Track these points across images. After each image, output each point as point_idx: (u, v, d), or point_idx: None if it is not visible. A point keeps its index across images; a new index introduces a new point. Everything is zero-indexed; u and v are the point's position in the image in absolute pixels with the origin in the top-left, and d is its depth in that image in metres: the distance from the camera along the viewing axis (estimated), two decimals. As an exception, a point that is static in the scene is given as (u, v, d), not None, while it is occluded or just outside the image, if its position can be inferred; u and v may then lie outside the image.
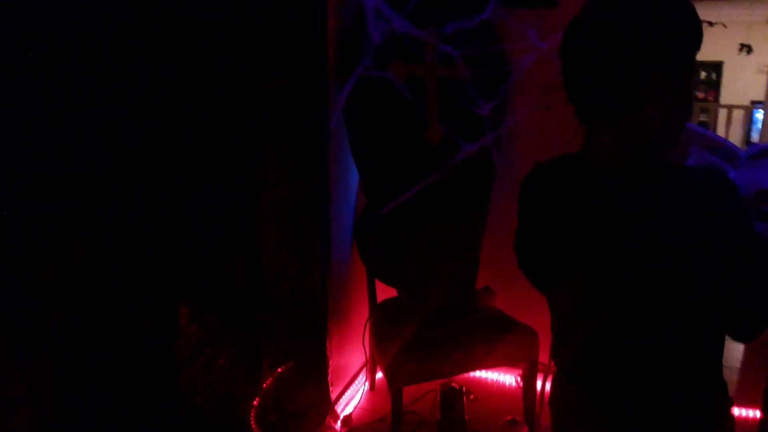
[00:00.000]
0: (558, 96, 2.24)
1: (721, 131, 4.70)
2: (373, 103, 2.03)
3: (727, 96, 5.52)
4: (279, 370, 2.09)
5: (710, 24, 4.33)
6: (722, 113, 4.79)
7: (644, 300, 0.95)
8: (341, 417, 2.30)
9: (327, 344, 2.13)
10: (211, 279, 1.85)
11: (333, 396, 2.34)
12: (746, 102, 5.12)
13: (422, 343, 2.02)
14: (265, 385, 2.07)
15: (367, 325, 2.33)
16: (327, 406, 2.19)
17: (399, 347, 1.99)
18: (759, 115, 4.84)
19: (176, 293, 1.77)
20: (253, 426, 2.06)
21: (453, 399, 2.19)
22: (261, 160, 1.87)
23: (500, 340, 2.07)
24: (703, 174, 0.93)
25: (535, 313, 2.36)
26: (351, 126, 2.06)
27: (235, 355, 1.97)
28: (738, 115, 4.90)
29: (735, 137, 4.98)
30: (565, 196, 1.02)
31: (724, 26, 4.84)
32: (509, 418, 2.19)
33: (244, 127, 1.82)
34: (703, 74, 5.97)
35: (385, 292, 2.37)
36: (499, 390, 2.53)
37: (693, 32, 0.90)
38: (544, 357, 2.34)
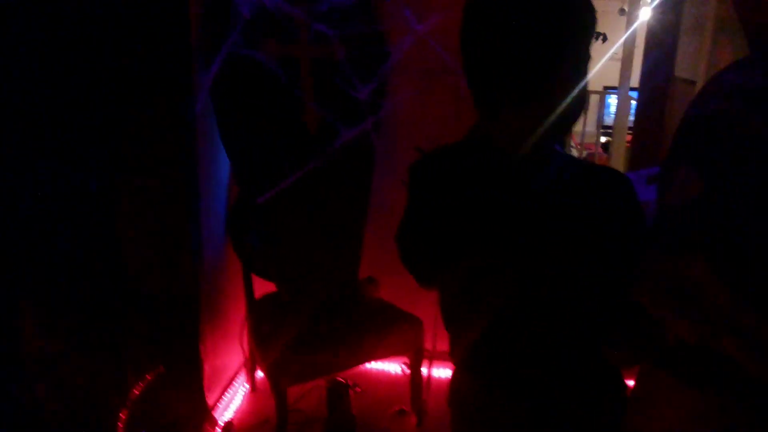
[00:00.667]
0: (437, 80, 2.22)
1: (579, 115, 5.03)
2: (242, 84, 1.87)
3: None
4: (147, 377, 1.89)
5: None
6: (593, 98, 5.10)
7: (540, 290, 0.91)
8: (221, 424, 2.14)
9: (200, 346, 1.96)
10: (62, 278, 1.62)
11: (210, 401, 2.17)
12: (600, 88, 5.48)
13: (306, 341, 1.91)
14: (132, 395, 1.87)
15: (246, 323, 2.18)
16: (203, 415, 2.02)
17: (282, 346, 1.87)
18: (612, 100, 5.23)
19: (18, 296, 1.53)
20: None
21: (339, 394, 2.11)
22: (117, 144, 1.66)
23: (386, 332, 2.01)
24: (605, 171, 0.94)
25: (417, 301, 2.35)
26: (219, 109, 1.88)
27: (94, 363, 1.75)
28: (593, 100, 5.23)
29: (590, 121, 5.30)
30: (468, 179, 0.96)
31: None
32: (397, 408, 2.15)
33: (96, 108, 1.60)
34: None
35: (263, 286, 2.23)
36: (385, 380, 2.49)
37: (594, 15, 0.87)
38: (428, 344, 2.33)
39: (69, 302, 1.65)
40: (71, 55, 1.49)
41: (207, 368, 2.06)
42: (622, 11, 5.59)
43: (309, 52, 1.94)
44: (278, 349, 1.90)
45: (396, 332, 2.02)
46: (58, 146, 1.52)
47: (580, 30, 0.85)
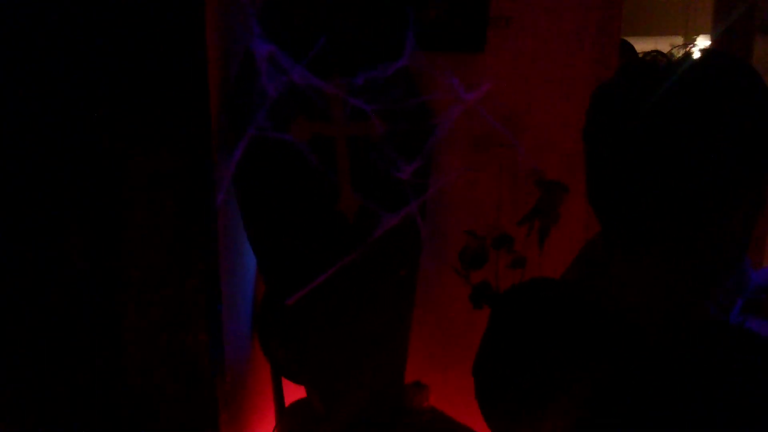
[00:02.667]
0: (488, 153, 1.97)
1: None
2: (270, 171, 1.64)
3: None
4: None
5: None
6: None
7: None
8: None
9: None
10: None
11: None
12: None
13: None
14: None
15: (275, 435, 1.90)
16: None
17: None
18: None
19: None
20: None
21: None
22: (126, 243, 1.45)
23: (438, 453, 1.71)
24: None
25: (476, 410, 2.05)
26: (243, 200, 1.65)
27: None
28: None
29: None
30: (563, 346, 0.69)
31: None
32: None
33: (105, 203, 1.39)
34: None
35: (296, 390, 1.96)
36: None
37: None
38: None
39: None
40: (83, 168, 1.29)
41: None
42: None
43: (345, 131, 1.71)
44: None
45: (451, 452, 1.72)
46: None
47: None
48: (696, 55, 0.60)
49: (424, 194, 1.80)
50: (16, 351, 1.33)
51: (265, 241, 1.68)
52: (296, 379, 1.92)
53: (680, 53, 0.62)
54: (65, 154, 1.32)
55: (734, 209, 0.58)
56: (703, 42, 4.37)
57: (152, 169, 1.47)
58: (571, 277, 0.80)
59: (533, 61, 1.91)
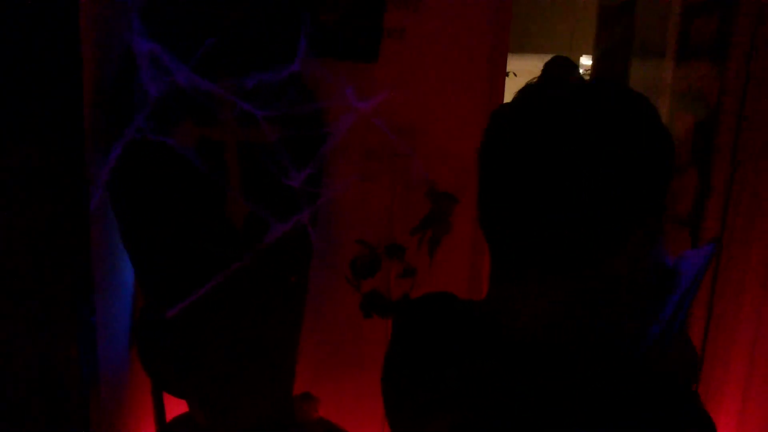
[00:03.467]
0: (382, 163, 1.97)
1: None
2: (149, 176, 1.55)
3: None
4: None
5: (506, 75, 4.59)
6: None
7: None
8: None
9: None
10: None
11: None
12: None
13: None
14: None
15: (153, 455, 1.80)
16: None
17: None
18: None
19: None
20: None
21: None
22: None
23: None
24: (665, 397, 0.60)
25: (364, 417, 2.04)
26: (119, 207, 1.55)
27: None
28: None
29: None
30: (462, 362, 0.68)
31: (515, 75, 5.18)
32: None
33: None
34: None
35: (178, 405, 1.87)
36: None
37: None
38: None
39: None
40: None
41: None
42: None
43: (234, 136, 1.65)
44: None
45: (338, 464, 1.70)
46: None
47: (669, 175, 0.61)
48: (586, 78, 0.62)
49: (316, 202, 1.77)
50: None
51: (144, 251, 1.59)
52: (178, 393, 1.83)
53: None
54: None
55: (624, 239, 0.60)
56: (585, 61, 4.65)
57: (18, 170, 1.35)
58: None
59: (427, 73, 1.93)
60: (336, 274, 1.91)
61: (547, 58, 0.71)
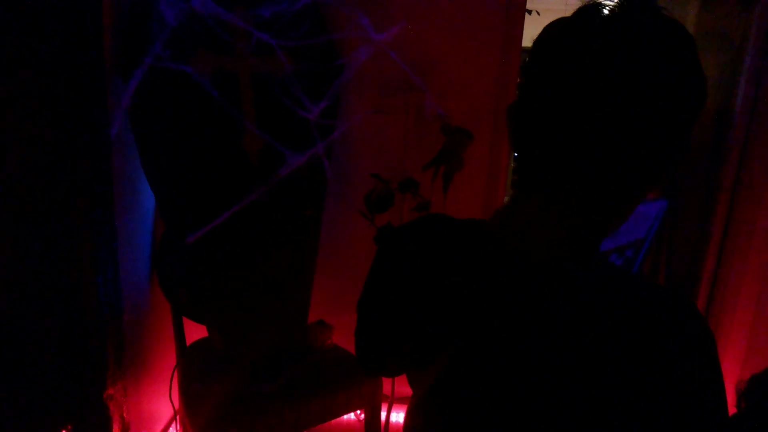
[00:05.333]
0: (397, 97, 1.97)
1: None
2: (168, 104, 1.57)
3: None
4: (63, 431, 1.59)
5: (528, 12, 4.45)
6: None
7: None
8: (144, 493, 1.84)
9: (110, 402, 1.66)
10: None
11: (133, 465, 1.87)
12: None
13: (244, 405, 1.63)
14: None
15: (174, 374, 1.88)
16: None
17: (214, 413, 1.59)
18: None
19: None
20: None
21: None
22: (16, 171, 1.35)
23: (341, 387, 1.75)
24: (675, 303, 0.62)
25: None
26: (139, 132, 1.58)
27: None
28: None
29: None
30: (459, 280, 0.70)
31: (538, 13, 5.01)
32: (350, 468, 1.90)
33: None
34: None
35: (198, 329, 1.94)
36: (337, 427, 2.23)
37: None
38: (386, 389, 2.09)
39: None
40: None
41: (132, 425, 1.76)
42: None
43: (249, 66, 1.65)
44: (210, 410, 1.62)
45: (352, 386, 1.77)
46: None
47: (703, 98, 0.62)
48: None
49: (331, 135, 1.79)
50: None
51: (164, 178, 1.62)
52: (197, 319, 1.90)
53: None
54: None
55: (661, 171, 0.61)
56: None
57: (41, 98, 1.38)
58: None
59: (444, 7, 1.91)
60: (350, 208, 1.95)
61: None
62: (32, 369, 1.50)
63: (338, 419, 2.25)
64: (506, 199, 2.28)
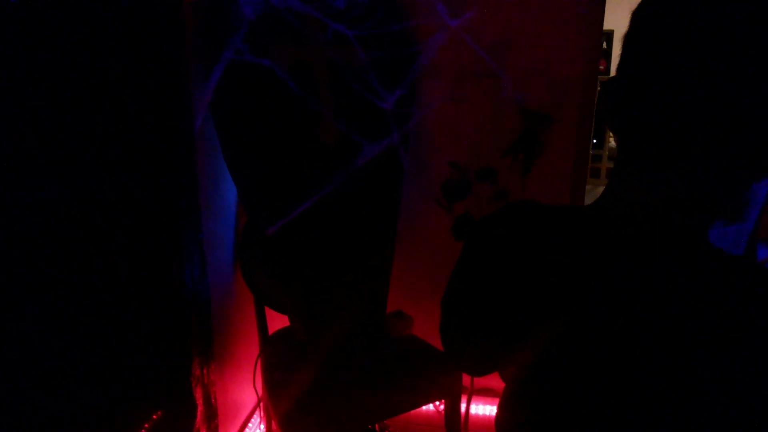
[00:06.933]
0: (473, 84, 1.93)
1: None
2: (247, 96, 1.60)
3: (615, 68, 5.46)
4: (146, 425, 1.66)
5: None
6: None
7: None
8: (231, 477, 1.90)
9: (198, 387, 1.72)
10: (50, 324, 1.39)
11: (221, 449, 1.94)
12: None
13: (324, 393, 1.65)
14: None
15: (258, 363, 1.93)
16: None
17: (296, 400, 1.61)
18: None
19: None
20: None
21: (365, 445, 1.86)
22: (102, 166, 1.42)
23: (419, 378, 1.74)
24: None
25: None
26: (221, 125, 1.62)
27: (91, 406, 1.53)
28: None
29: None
30: (559, 262, 0.67)
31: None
32: (430, 459, 1.88)
33: (77, 125, 1.35)
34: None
35: (279, 319, 1.98)
36: (416, 418, 2.23)
37: None
38: (465, 380, 2.06)
39: (57, 354, 1.43)
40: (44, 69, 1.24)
41: (219, 412, 1.82)
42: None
43: (325, 57, 1.66)
44: (292, 398, 1.64)
45: (431, 377, 1.75)
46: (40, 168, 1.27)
47: None
48: None
49: (407, 124, 1.77)
50: None
51: (244, 170, 1.66)
52: (278, 309, 1.94)
53: None
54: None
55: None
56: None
57: (124, 95, 1.43)
58: None
59: (521, -13, 1.85)
60: (427, 197, 1.93)
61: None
62: (124, 357, 1.57)
63: (417, 410, 2.25)
64: (588, 187, 2.19)
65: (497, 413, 0.81)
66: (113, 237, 1.46)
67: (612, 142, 4.79)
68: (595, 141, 6.26)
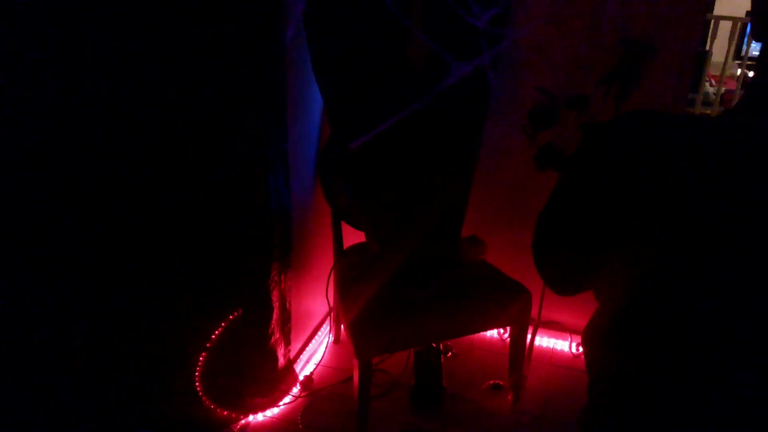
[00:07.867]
0: (571, 4, 1.83)
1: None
2: (341, 9, 1.58)
3: (721, 8, 4.98)
4: (224, 323, 1.77)
5: None
6: (725, 25, 4.28)
7: None
8: (301, 378, 2.01)
9: (275, 291, 1.81)
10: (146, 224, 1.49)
11: (293, 352, 2.05)
12: (741, 14, 4.62)
13: (395, 307, 1.70)
14: (213, 336, 1.76)
15: (332, 274, 1.99)
16: (274, 369, 1.89)
17: (367, 312, 1.67)
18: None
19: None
20: (198, 389, 1.77)
21: (429, 361, 1.92)
22: (199, 73, 1.46)
23: (488, 302, 1.76)
24: None
25: (526, 267, 2.07)
26: (313, 37, 1.61)
27: (173, 307, 1.65)
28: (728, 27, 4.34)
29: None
30: (698, 173, 0.62)
31: None
32: (492, 382, 1.93)
33: (180, 35, 1.39)
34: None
35: (354, 235, 2.03)
36: (480, 345, 2.27)
37: None
38: (533, 312, 2.06)
39: (149, 249, 1.53)
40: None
41: (293, 315, 1.92)
42: None
43: (420, -31, 1.61)
44: (362, 310, 1.70)
45: (500, 303, 1.77)
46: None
47: None
48: None
49: (499, 45, 1.71)
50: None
51: (333, 83, 1.66)
52: (354, 224, 1.98)
53: None
54: None
55: None
56: None
57: (219, 5, 1.44)
58: None
59: None
60: (512, 123, 1.88)
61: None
62: (209, 257, 1.66)
63: (482, 335, 2.29)
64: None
65: (587, 352, 0.81)
66: (203, 143, 1.51)
67: (708, 87, 4.46)
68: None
